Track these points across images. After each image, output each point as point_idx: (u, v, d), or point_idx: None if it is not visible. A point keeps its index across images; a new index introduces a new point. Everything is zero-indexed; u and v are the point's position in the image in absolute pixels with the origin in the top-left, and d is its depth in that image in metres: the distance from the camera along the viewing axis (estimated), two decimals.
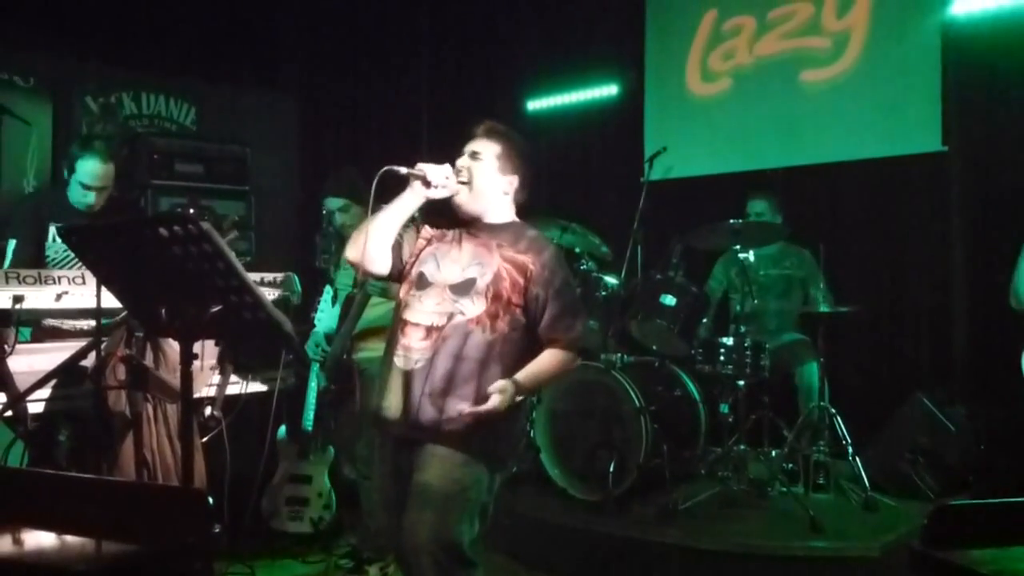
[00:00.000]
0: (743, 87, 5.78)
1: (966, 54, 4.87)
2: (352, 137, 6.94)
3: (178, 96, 6.23)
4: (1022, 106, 4.69)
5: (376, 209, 2.64)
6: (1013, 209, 4.59)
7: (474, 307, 2.62)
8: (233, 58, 6.44)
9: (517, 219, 2.84)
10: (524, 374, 2.63)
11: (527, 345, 2.70)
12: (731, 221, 4.47)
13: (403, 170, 2.64)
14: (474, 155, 2.75)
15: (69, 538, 1.88)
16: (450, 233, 2.78)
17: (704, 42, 5.94)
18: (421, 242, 2.80)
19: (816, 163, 5.40)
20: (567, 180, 6.46)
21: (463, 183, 2.71)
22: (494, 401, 2.54)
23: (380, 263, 2.71)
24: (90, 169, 3.99)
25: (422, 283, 2.70)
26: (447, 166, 2.70)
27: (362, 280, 3.42)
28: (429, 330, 2.62)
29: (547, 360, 2.69)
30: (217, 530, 1.81)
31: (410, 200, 2.69)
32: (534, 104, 6.73)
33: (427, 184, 2.65)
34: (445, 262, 2.71)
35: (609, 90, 6.39)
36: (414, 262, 2.76)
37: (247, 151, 5.75)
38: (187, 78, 6.25)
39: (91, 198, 4.02)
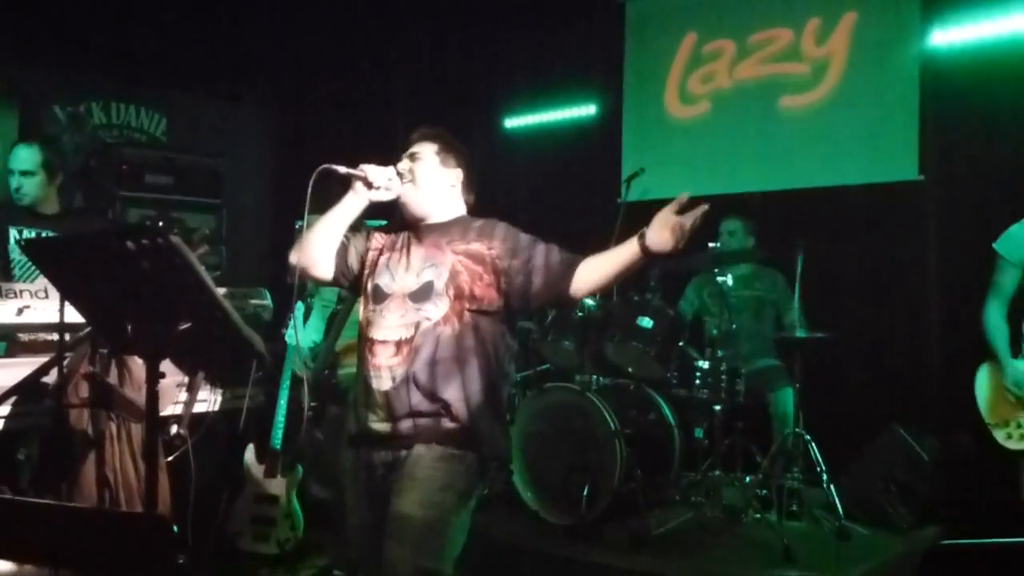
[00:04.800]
0: (722, 110, 5.79)
1: (944, 84, 4.91)
2: (328, 151, 6.84)
3: (149, 106, 6.14)
4: (999, 137, 4.73)
5: (313, 212, 2.54)
6: (988, 239, 4.60)
7: (438, 309, 2.56)
8: (206, 68, 6.33)
9: (465, 214, 2.77)
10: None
11: (496, 326, 2.63)
12: (709, 244, 4.46)
13: (343, 169, 2.58)
14: (413, 156, 2.71)
15: (28, 567, 1.80)
16: (399, 238, 2.72)
17: (683, 64, 5.94)
18: (372, 252, 2.73)
19: (793, 188, 5.41)
20: (543, 198, 6.42)
21: (408, 183, 2.67)
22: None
23: (323, 267, 2.66)
24: (18, 153, 4.02)
25: (379, 296, 2.63)
26: (391, 168, 2.66)
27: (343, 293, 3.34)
28: (399, 344, 2.55)
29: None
30: (181, 560, 1.73)
31: (352, 203, 2.64)
32: (512, 122, 6.71)
33: (369, 185, 2.61)
34: (399, 271, 2.64)
35: (587, 109, 6.38)
36: (368, 275, 2.70)
37: (219, 163, 5.65)
38: (158, 88, 6.15)
39: (15, 182, 4.00)
